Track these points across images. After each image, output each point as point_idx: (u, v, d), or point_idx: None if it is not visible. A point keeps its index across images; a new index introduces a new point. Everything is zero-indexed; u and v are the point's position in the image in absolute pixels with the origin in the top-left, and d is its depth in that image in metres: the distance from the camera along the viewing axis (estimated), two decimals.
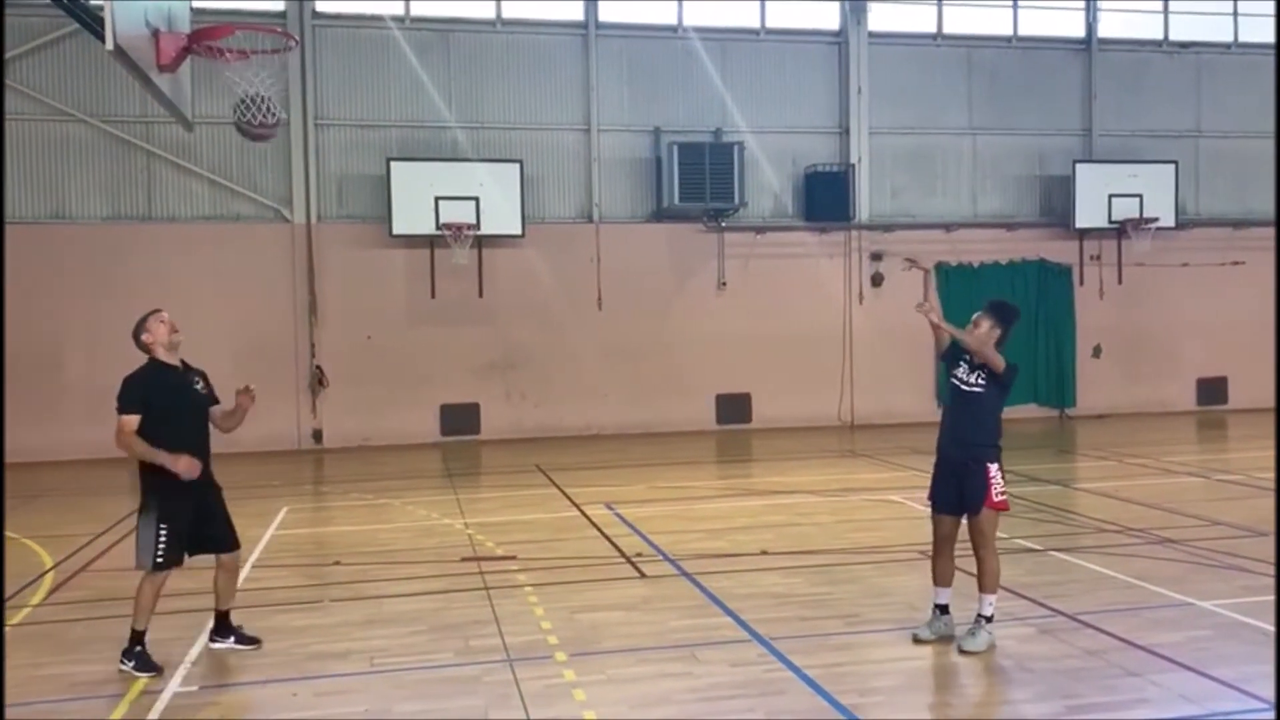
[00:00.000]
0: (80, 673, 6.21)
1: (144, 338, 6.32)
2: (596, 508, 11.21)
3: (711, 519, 10.65)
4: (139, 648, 6.15)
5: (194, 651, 6.53)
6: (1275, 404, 18.70)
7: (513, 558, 8.94)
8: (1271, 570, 7.94)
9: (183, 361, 6.46)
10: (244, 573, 8.64)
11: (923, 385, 19.28)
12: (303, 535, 10.47)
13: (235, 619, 6.67)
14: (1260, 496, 11.18)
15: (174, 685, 5.96)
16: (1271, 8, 20.33)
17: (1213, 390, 20.44)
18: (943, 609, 6.56)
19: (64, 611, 7.56)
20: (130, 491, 13.54)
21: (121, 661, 6.15)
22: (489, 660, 6.28)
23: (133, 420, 6.10)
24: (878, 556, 8.80)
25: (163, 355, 6.31)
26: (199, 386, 6.44)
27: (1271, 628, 6.55)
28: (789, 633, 6.66)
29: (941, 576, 6.59)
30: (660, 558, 8.83)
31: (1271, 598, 7.24)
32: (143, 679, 6.01)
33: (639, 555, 8.93)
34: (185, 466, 6.10)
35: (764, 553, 8.99)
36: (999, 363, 6.31)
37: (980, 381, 6.40)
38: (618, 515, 10.78)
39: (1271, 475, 12.38)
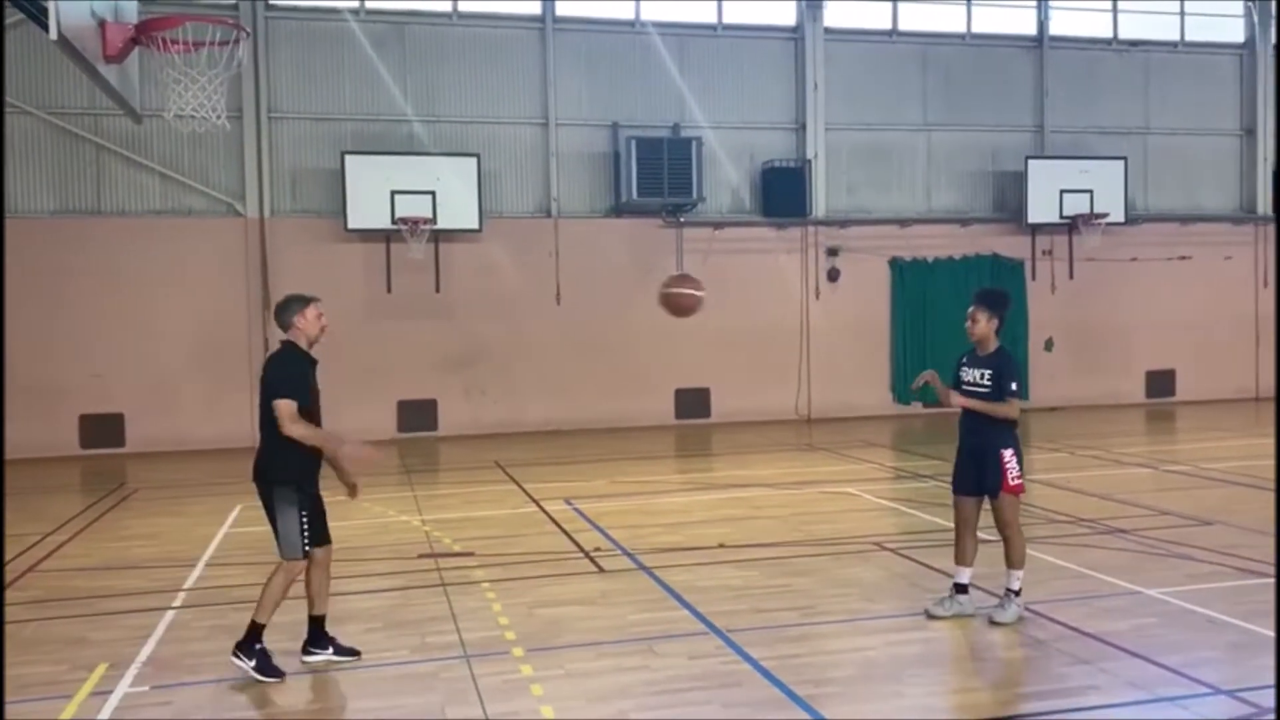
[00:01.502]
0: (30, 674, 6.10)
1: (296, 321, 6.12)
2: (555, 503, 11.20)
3: (670, 513, 10.68)
4: (259, 645, 5.91)
5: (145, 651, 6.45)
6: (1275, 398, 18.90)
7: (470, 554, 8.91)
8: (1216, 559, 8.13)
9: None
10: (197, 571, 8.58)
11: (878, 379, 19.47)
12: (257, 533, 10.29)
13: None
14: (1207, 487, 11.43)
15: (124, 685, 5.88)
16: (1217, 8, 20.78)
17: (1161, 383, 20.83)
18: (961, 589, 6.78)
19: (13, 612, 7.41)
20: (80, 491, 13.39)
21: (236, 656, 5.89)
22: (446, 657, 6.25)
23: (291, 406, 5.86)
24: (834, 549, 8.87)
25: (303, 345, 6.15)
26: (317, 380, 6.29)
27: (1216, 614, 6.70)
28: (746, 625, 6.70)
29: (962, 556, 6.80)
30: (619, 552, 8.84)
31: (1216, 585, 7.41)
32: (269, 681, 5.82)
33: (597, 550, 8.93)
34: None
35: (721, 546, 9.03)
36: (1014, 412, 6.59)
37: (986, 380, 6.65)
38: (577, 510, 10.78)
39: (1219, 466, 12.66)
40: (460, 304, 17.71)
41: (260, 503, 6.08)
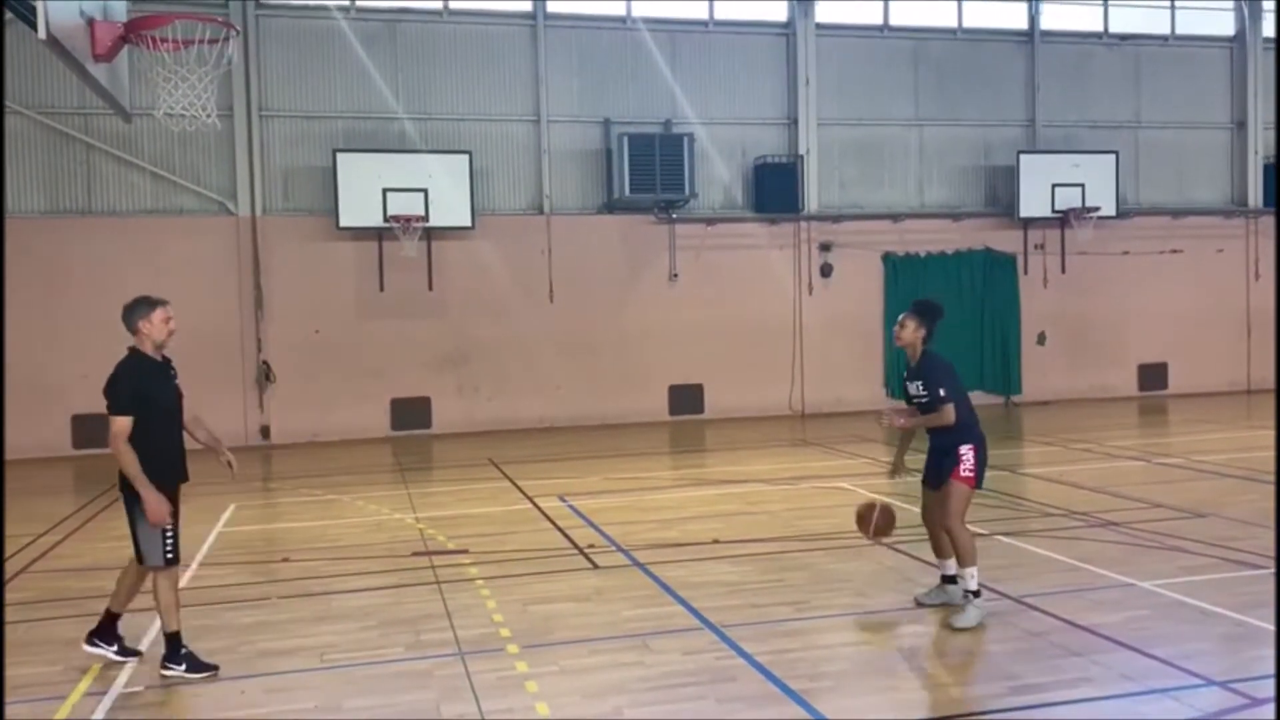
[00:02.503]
0: (24, 675, 6.08)
1: (141, 326, 6.03)
2: (549, 500, 11.20)
3: (664, 509, 10.69)
4: (184, 649, 5.96)
5: (139, 650, 6.42)
6: (1276, 390, 18.93)
7: (465, 551, 8.90)
8: (1209, 551, 8.15)
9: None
10: (190, 571, 8.56)
11: (871, 374, 19.49)
12: (251, 532, 10.34)
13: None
14: (1199, 479, 11.46)
15: (118, 685, 5.87)
16: (1206, 2, 20.81)
17: (1153, 376, 20.88)
18: (948, 579, 6.91)
19: (7, 613, 7.38)
20: (73, 492, 13.34)
21: (166, 667, 5.93)
22: (440, 654, 6.25)
23: (126, 424, 5.81)
24: (828, 544, 8.89)
25: (149, 350, 6.07)
26: (175, 379, 6.21)
27: (1209, 606, 6.72)
28: (740, 620, 6.71)
29: (939, 549, 6.93)
30: (613, 548, 8.84)
31: (1209, 577, 7.44)
32: (200, 677, 5.89)
33: (591, 546, 8.94)
34: (156, 514, 5.82)
35: (715, 541, 9.04)
36: (950, 418, 6.60)
37: (923, 390, 6.73)
38: (571, 507, 10.78)
39: (1211, 458, 12.69)
40: (453, 302, 17.69)
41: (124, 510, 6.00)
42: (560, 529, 9.74)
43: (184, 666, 5.93)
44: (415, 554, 8.86)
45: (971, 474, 6.63)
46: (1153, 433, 16.78)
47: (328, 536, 9.80)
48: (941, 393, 6.60)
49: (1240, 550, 8.10)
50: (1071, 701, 5.29)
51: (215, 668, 6.01)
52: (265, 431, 17.12)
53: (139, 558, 6.03)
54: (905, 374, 6.94)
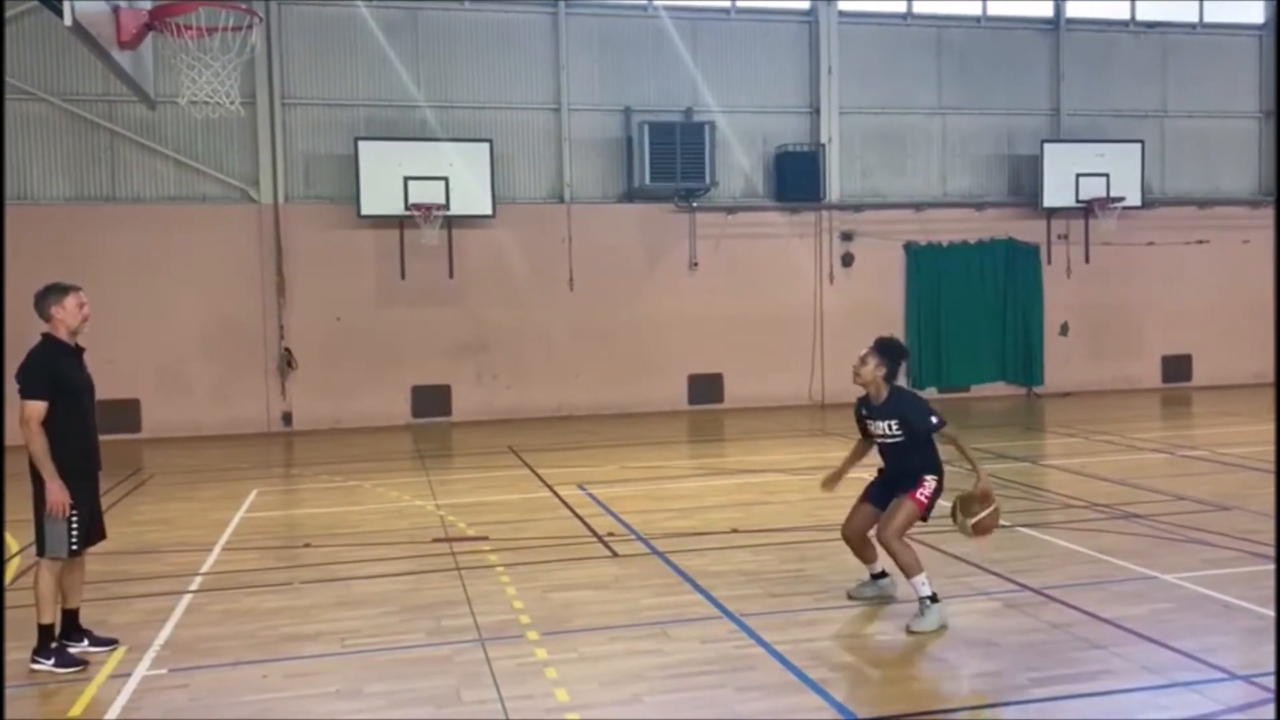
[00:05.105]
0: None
1: (54, 312, 5.95)
2: (569, 488, 11.22)
3: (683, 498, 10.69)
4: (54, 643, 5.90)
5: (162, 635, 6.49)
6: (1275, 381, 18.78)
7: (485, 538, 8.94)
8: (1232, 544, 8.09)
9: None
10: (213, 555, 8.63)
11: None
12: (273, 518, 10.41)
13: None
14: (1223, 472, 11.37)
15: (142, 668, 5.93)
16: None
17: (1177, 367, 20.70)
18: (877, 575, 6.92)
19: (19, 597, 7.46)
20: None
21: (35, 661, 5.84)
22: (461, 640, 6.28)
23: (41, 408, 5.73)
24: None
25: (63, 336, 5.99)
26: (87, 368, 6.14)
27: (1232, 599, 6.67)
28: (759, 609, 6.71)
29: (864, 558, 6.91)
30: (632, 537, 8.86)
31: (1233, 570, 7.38)
32: (69, 672, 5.81)
33: (611, 535, 8.95)
34: (57, 503, 5.74)
35: (734, 531, 9.04)
36: (952, 431, 6.55)
37: (896, 430, 6.56)
38: (590, 495, 10.80)
39: (1236, 451, 12.58)
40: (473, 290, 17.72)
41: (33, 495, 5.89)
42: (580, 517, 9.76)
43: (53, 661, 5.84)
44: (436, 540, 8.90)
45: (926, 499, 6.48)
46: (1176, 425, 16.65)
47: (349, 522, 9.86)
48: (934, 420, 6.46)
49: (1264, 543, 8.03)
50: (1093, 694, 5.27)
51: (84, 663, 5.90)
52: (287, 418, 17.22)
53: (39, 548, 5.90)
54: (864, 411, 6.73)
